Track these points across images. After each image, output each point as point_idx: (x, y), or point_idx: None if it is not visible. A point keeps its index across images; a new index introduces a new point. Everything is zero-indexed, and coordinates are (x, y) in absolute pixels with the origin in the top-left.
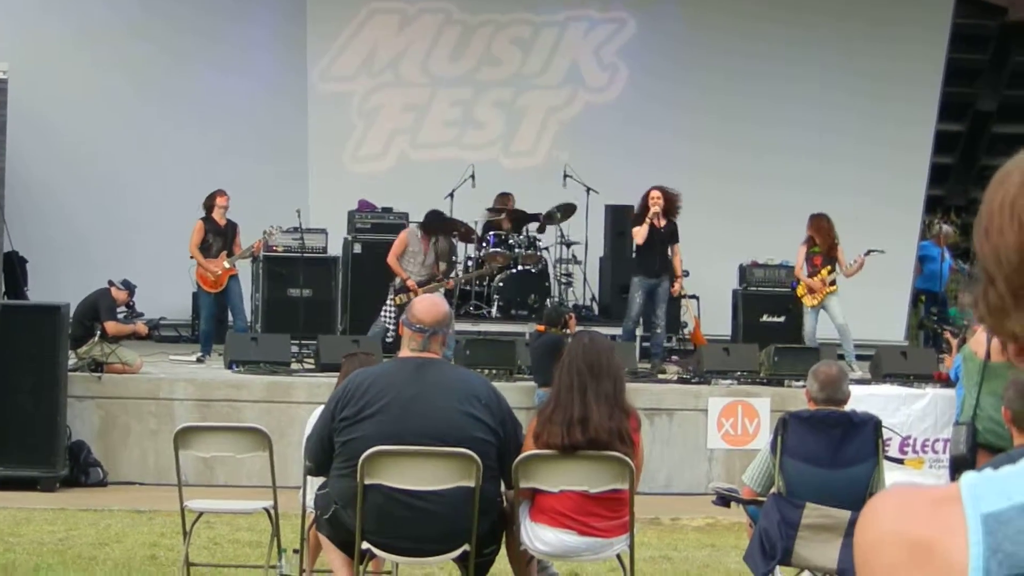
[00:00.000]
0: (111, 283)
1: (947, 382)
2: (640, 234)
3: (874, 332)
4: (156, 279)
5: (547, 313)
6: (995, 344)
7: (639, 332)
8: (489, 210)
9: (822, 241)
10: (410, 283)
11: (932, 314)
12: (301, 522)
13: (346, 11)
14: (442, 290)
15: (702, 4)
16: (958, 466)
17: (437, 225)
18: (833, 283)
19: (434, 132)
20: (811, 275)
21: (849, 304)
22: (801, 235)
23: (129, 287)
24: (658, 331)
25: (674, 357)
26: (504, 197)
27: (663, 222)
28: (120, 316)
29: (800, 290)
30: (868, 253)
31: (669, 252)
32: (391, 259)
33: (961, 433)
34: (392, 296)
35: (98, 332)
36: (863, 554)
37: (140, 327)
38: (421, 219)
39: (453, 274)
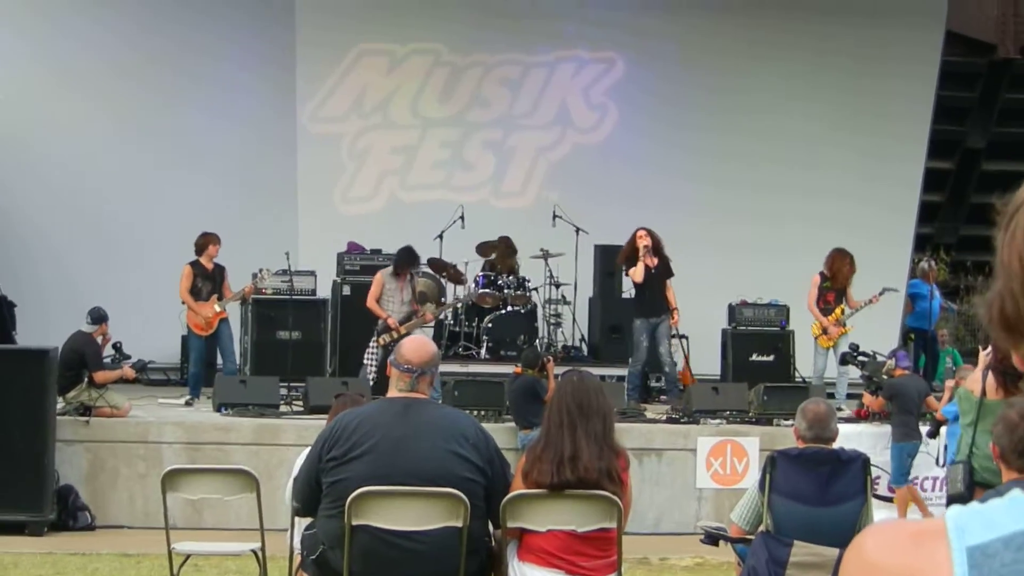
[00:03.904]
0: (83, 331)
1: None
2: (637, 272)
3: None
4: (144, 321)
5: (524, 356)
6: (990, 382)
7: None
8: (478, 247)
9: (837, 278)
10: (391, 321)
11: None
12: (288, 564)
13: (335, 53)
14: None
15: (690, 44)
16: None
17: (405, 261)
18: (844, 324)
19: (424, 173)
20: (823, 312)
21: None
22: (789, 273)
23: (98, 317)
24: (666, 369)
25: (663, 397)
26: (502, 240)
27: (654, 260)
28: (107, 360)
29: (815, 330)
30: (883, 292)
31: (664, 290)
32: (370, 302)
33: (958, 472)
34: (375, 338)
35: (86, 379)
36: None
37: (127, 371)
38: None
39: (429, 307)
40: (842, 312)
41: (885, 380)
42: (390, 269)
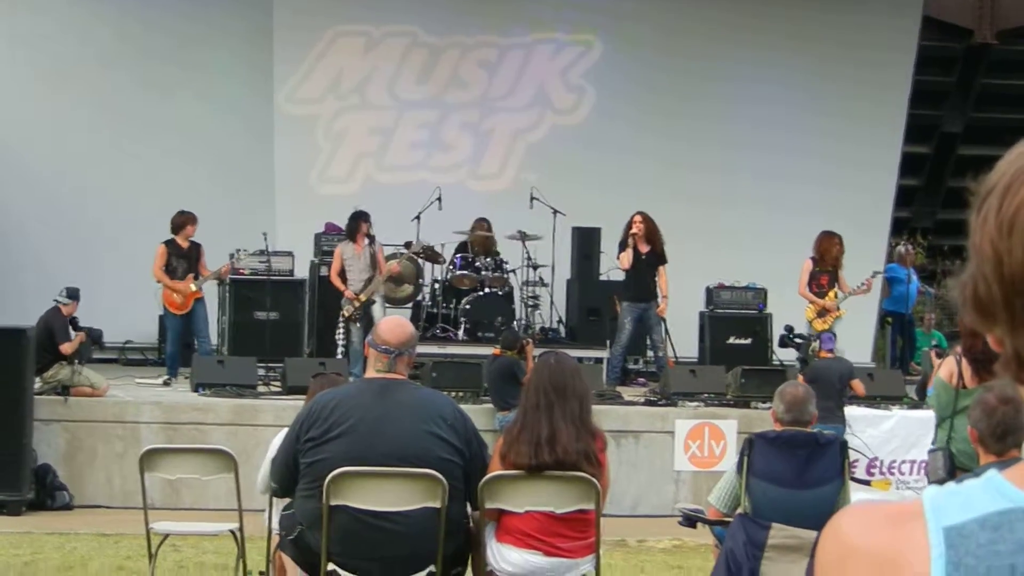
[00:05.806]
0: (57, 301)
1: None
2: (625, 259)
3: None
4: (122, 302)
5: (504, 337)
6: (965, 369)
7: (606, 355)
8: (457, 233)
9: (828, 261)
10: (348, 293)
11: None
12: (267, 544)
13: (312, 35)
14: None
15: (668, 27)
16: None
17: (357, 220)
18: (838, 307)
19: (401, 155)
20: (817, 296)
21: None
22: (766, 257)
23: (73, 295)
24: (660, 354)
25: (640, 379)
26: (479, 222)
27: (646, 247)
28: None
29: (809, 313)
30: (874, 276)
31: (655, 276)
32: (332, 276)
33: (938, 459)
34: (341, 312)
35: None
36: (825, 571)
37: (80, 335)
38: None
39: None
40: (835, 296)
41: (812, 361)
42: (346, 240)
